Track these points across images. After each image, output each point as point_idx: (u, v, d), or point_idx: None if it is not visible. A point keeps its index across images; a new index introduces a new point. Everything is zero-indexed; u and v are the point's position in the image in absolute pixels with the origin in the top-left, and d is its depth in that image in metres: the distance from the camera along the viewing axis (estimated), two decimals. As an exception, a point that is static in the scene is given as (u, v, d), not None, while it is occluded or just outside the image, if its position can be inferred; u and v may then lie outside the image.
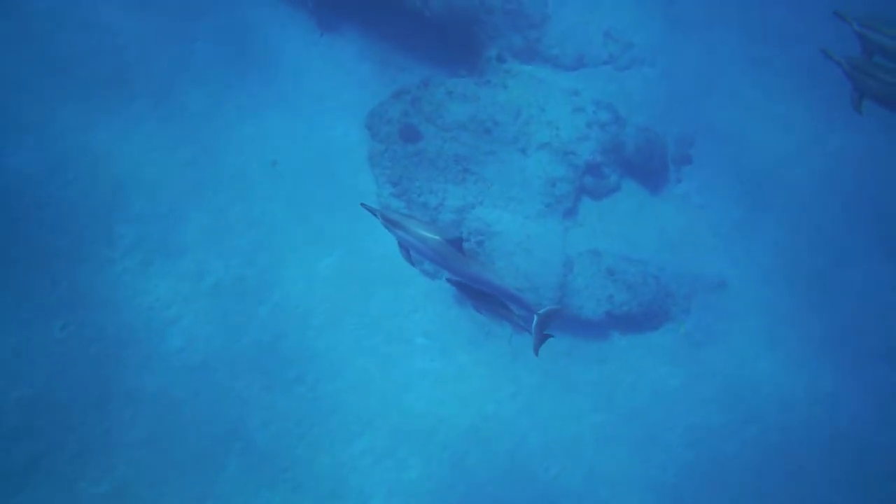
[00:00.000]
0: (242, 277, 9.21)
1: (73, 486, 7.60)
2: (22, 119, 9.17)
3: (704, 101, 12.60)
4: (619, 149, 11.21)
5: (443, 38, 11.17)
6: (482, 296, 4.27)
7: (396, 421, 8.97)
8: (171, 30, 10.45)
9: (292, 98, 10.62)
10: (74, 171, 9.11)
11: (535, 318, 4.25)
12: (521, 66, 11.30)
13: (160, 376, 8.35)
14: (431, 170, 10.44)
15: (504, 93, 10.95)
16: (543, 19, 11.67)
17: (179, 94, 10.04)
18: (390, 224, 4.43)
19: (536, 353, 4.34)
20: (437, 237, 4.26)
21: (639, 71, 12.51)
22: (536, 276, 10.03)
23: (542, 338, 4.26)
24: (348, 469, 8.57)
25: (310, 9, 11.10)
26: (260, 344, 8.90)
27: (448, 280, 4.40)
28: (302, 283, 9.41)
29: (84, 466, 7.71)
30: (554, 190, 10.62)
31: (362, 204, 4.67)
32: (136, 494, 7.77)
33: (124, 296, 8.61)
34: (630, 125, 11.40)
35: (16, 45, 9.60)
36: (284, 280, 9.35)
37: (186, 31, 10.51)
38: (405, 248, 4.41)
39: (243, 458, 8.26)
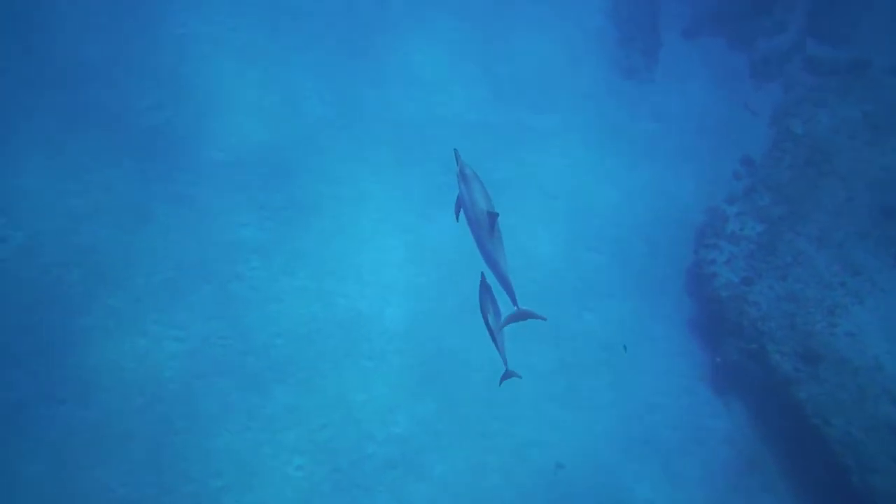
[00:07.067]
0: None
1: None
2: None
3: None
4: None
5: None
6: (494, 310, 4.86)
7: None
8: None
9: (634, 397, 9.38)
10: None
11: (516, 308, 4.86)
12: None
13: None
14: None
15: None
16: None
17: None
18: (462, 177, 4.77)
19: (507, 318, 4.92)
20: (482, 205, 4.67)
21: None
22: None
23: (514, 319, 4.90)
24: None
25: (714, 363, 9.91)
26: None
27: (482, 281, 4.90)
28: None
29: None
30: None
31: (455, 150, 4.88)
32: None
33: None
34: None
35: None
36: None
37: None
38: (459, 204, 4.82)
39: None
